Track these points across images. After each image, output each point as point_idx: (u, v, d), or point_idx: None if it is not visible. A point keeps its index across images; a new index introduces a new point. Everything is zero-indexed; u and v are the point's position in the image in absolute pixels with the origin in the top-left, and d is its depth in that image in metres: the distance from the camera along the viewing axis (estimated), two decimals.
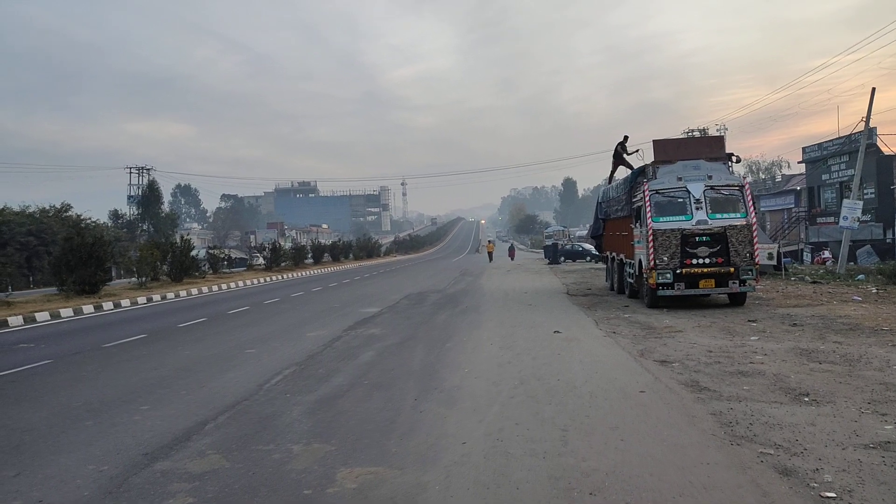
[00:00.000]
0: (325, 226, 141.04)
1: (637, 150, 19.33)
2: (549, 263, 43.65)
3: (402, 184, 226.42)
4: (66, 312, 18.38)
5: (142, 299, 22.65)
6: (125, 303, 21.45)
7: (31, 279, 45.36)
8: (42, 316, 17.42)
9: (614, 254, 19.73)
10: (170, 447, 5.72)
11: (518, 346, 10.52)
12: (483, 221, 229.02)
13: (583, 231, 76.96)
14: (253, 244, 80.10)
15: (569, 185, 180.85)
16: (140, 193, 69.84)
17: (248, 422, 6.53)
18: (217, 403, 7.31)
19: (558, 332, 11.71)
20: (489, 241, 67.01)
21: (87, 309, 19.48)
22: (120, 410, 7.19)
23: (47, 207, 53.50)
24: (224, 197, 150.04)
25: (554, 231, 67.60)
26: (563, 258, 46.39)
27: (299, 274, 41.85)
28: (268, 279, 36.12)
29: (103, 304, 20.48)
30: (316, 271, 45.43)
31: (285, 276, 39.17)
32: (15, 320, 16.49)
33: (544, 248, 55.75)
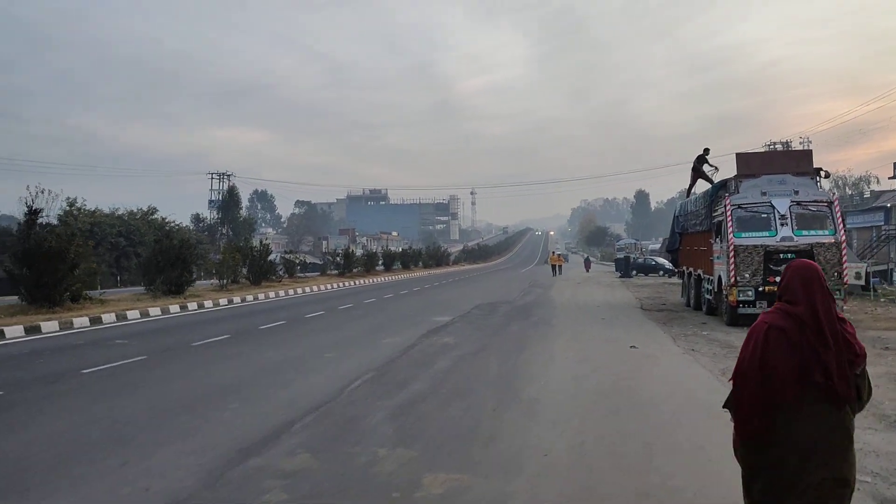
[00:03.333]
0: (394, 233, 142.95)
1: (715, 169, 18.85)
2: (620, 277, 42.95)
3: (472, 193, 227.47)
4: (155, 311, 19.32)
5: (223, 301, 23.56)
6: (208, 304, 22.37)
7: (119, 278, 47.77)
8: (133, 314, 18.36)
9: (691, 269, 19.28)
10: (261, 444, 5.97)
11: (594, 360, 10.44)
12: (552, 233, 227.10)
13: (655, 245, 75.35)
14: (325, 250, 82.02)
15: (641, 197, 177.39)
16: (221, 198, 72.60)
17: (334, 424, 6.74)
18: (302, 404, 7.57)
19: (635, 347, 11.55)
20: (554, 253, 61.24)
21: (174, 309, 20.42)
22: (212, 407, 7.54)
23: (135, 210, 56.32)
24: (298, 203, 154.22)
25: (626, 244, 66.61)
26: (635, 272, 45.56)
27: (370, 280, 42.58)
28: (340, 285, 36.90)
29: (188, 304, 21.43)
30: (386, 278, 46.12)
31: (357, 283, 39.92)
32: (108, 318, 17.45)
33: (616, 261, 54.94)
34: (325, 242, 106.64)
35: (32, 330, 14.74)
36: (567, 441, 5.98)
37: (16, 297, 18.97)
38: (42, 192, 18.70)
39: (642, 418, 6.67)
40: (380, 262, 53.86)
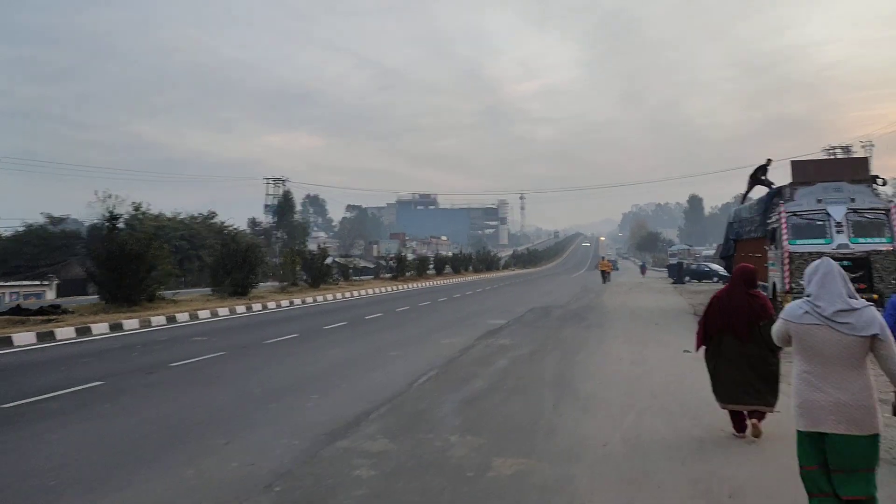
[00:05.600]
0: (444, 237, 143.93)
1: (772, 185, 18.89)
2: (673, 283, 42.70)
3: (521, 198, 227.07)
4: (223, 311, 20.40)
5: (285, 302, 24.60)
6: (271, 305, 23.42)
7: (181, 280, 49.84)
8: (204, 314, 19.46)
9: None
10: (345, 430, 6.64)
11: (648, 362, 10.84)
12: (602, 238, 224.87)
13: (709, 250, 74.27)
14: (376, 254, 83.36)
15: (694, 202, 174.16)
16: (276, 203, 74.63)
17: (406, 414, 7.37)
18: (374, 397, 8.23)
19: (688, 351, 11.86)
20: (604, 259, 57.12)
21: (240, 309, 21.50)
22: (294, 397, 8.27)
23: (196, 214, 58.55)
24: (349, 207, 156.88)
25: (678, 249, 65.90)
26: (687, 278, 45.19)
27: (423, 284, 43.37)
28: (394, 288, 37.77)
29: (253, 305, 22.51)
30: (438, 282, 46.86)
31: (410, 286, 40.75)
32: (182, 316, 18.56)
33: (668, 266, 54.53)
34: (375, 246, 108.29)
35: (116, 327, 15.88)
36: (623, 434, 6.46)
37: (96, 297, 20.29)
38: (109, 197, 19.98)
39: (695, 417, 7.10)
40: (431, 267, 54.67)
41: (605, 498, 4.78)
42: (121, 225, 23.29)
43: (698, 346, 6.54)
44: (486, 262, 75.11)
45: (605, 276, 46.36)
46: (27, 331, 14.00)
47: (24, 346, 13.23)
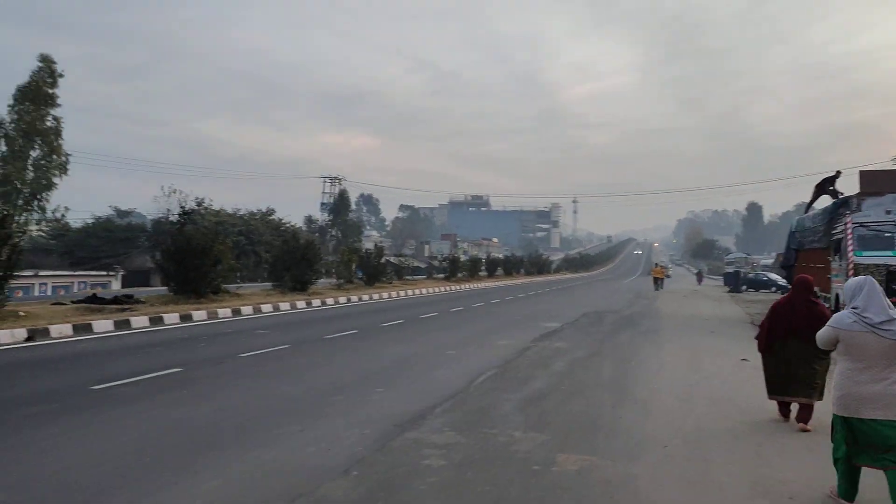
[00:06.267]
0: (494, 239, 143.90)
1: (839, 195, 18.50)
2: (729, 291, 41.90)
3: (574, 201, 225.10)
4: (284, 306, 21.07)
5: (342, 299, 25.21)
6: (329, 301, 24.05)
7: (238, 275, 51.28)
8: (266, 308, 20.15)
9: None
10: (412, 422, 6.94)
11: (705, 369, 10.85)
12: (656, 244, 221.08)
13: (768, 259, 72.43)
14: (427, 254, 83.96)
15: (753, 209, 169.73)
16: (332, 201, 76.00)
17: (469, 410, 7.63)
18: (437, 393, 8.51)
19: (746, 360, 11.81)
20: (657, 265, 54.17)
21: (300, 304, 22.15)
22: (359, 390, 8.63)
23: (255, 211, 60.09)
24: (402, 207, 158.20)
25: (735, 258, 64.44)
26: (745, 287, 44.26)
27: (475, 285, 43.62)
28: (447, 288, 38.13)
29: (312, 300, 23.14)
30: (490, 284, 47.03)
31: (462, 287, 41.06)
32: (246, 310, 19.27)
33: (725, 275, 53.51)
34: (427, 247, 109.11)
35: (186, 318, 16.62)
36: (683, 437, 6.58)
37: (158, 288, 21.19)
38: (174, 192, 20.85)
39: (754, 423, 7.16)
40: (483, 268, 54.88)
41: (668, 496, 4.94)
42: (194, 220, 24.27)
43: (761, 348, 7.34)
44: (538, 265, 74.90)
45: (657, 282, 45.26)
46: (105, 318, 14.79)
47: (103, 333, 14.00)
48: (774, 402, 7.40)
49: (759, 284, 46.01)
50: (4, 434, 6.27)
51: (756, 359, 9.47)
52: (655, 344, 14.18)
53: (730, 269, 50.70)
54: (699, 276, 60.88)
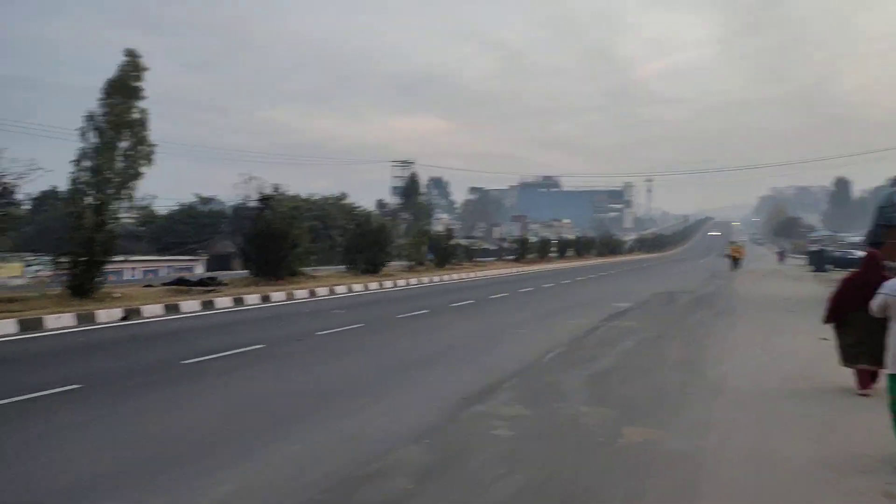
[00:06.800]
0: (566, 220, 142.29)
1: None
2: (813, 270, 40.28)
3: (647, 180, 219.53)
4: (357, 287, 21.72)
5: (413, 280, 25.72)
6: (401, 282, 24.60)
7: (313, 258, 52.80)
8: (340, 289, 20.83)
9: None
10: (480, 396, 7.19)
11: (780, 349, 10.66)
12: (736, 223, 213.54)
13: (857, 236, 69.01)
14: (497, 236, 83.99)
15: (841, 184, 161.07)
16: (403, 185, 76.98)
17: (536, 385, 7.83)
18: (505, 369, 8.74)
19: (825, 339, 11.49)
20: (734, 244, 52.31)
21: (373, 286, 22.77)
22: (430, 366, 8.95)
23: (328, 196, 61.59)
24: (472, 189, 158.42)
25: (820, 236, 61.93)
26: (829, 265, 42.40)
27: (545, 267, 43.51)
28: (516, 270, 38.21)
29: (384, 282, 23.74)
30: (560, 265, 46.80)
31: (532, 268, 41.04)
32: (321, 291, 19.98)
33: (808, 253, 51.36)
34: (496, 229, 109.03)
35: (265, 299, 17.42)
36: (752, 416, 6.58)
37: (240, 271, 22.17)
38: (251, 179, 21.70)
39: (827, 401, 7.08)
40: (553, 249, 54.57)
41: (732, 468, 5.02)
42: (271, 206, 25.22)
43: (828, 319, 8.01)
44: (610, 246, 73.82)
45: (735, 262, 43.74)
46: (192, 299, 15.69)
47: (191, 312, 14.87)
48: (849, 376, 7.64)
49: (845, 263, 43.80)
50: (121, 399, 6.92)
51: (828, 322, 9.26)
52: (729, 324, 13.95)
53: (813, 248, 48.69)
54: (781, 255, 58.75)
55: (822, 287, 25.51)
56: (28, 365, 8.79)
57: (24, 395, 6.86)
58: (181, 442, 5.48)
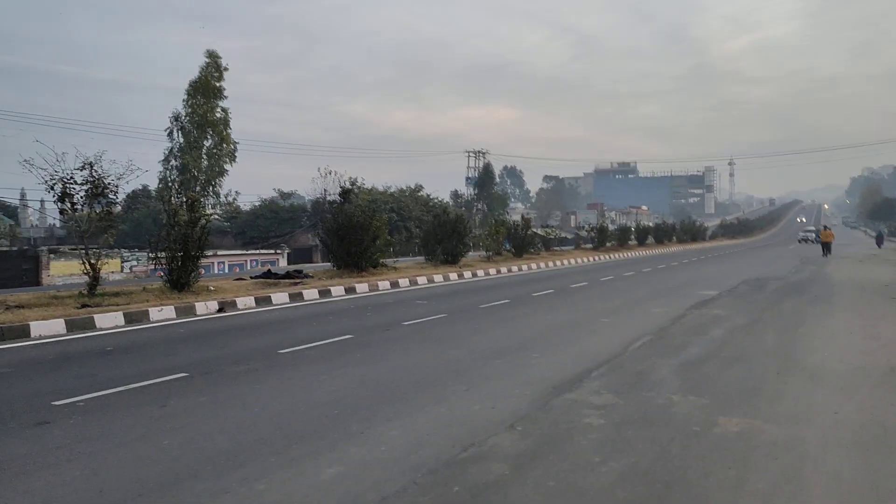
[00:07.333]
0: (644, 207, 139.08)
1: None
2: None
3: (730, 164, 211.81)
4: (438, 278, 21.97)
5: (492, 271, 25.80)
6: (480, 273, 24.72)
7: (391, 250, 53.72)
8: (421, 280, 21.14)
9: None
10: (569, 385, 7.22)
11: (884, 337, 10.18)
12: (826, 206, 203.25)
13: None
14: (573, 224, 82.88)
15: None
16: (477, 175, 77.07)
17: (625, 374, 7.78)
18: (592, 358, 8.71)
19: None
20: (826, 228, 47.82)
21: (452, 276, 22.99)
22: (517, 355, 9.01)
23: (404, 188, 62.36)
24: (546, 178, 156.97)
25: None
26: None
27: (624, 255, 42.72)
28: (595, 258, 37.69)
29: (463, 272, 23.92)
30: (640, 253, 45.83)
31: (611, 256, 40.38)
32: (403, 282, 20.34)
33: None
34: (573, 217, 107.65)
35: (350, 290, 17.89)
36: (856, 405, 6.36)
37: (321, 264, 22.78)
38: (329, 174, 22.26)
39: None
40: (633, 237, 53.48)
41: (839, 459, 4.89)
42: (338, 199, 25.86)
43: None
44: (691, 233, 71.61)
45: (825, 247, 41.52)
46: (280, 292, 16.30)
47: (281, 304, 15.45)
48: None
49: None
50: (227, 385, 7.33)
51: None
52: (825, 311, 13.40)
53: None
54: (879, 239, 55.61)
55: None
56: (137, 355, 9.38)
57: (136, 382, 7.35)
58: (285, 426, 5.76)
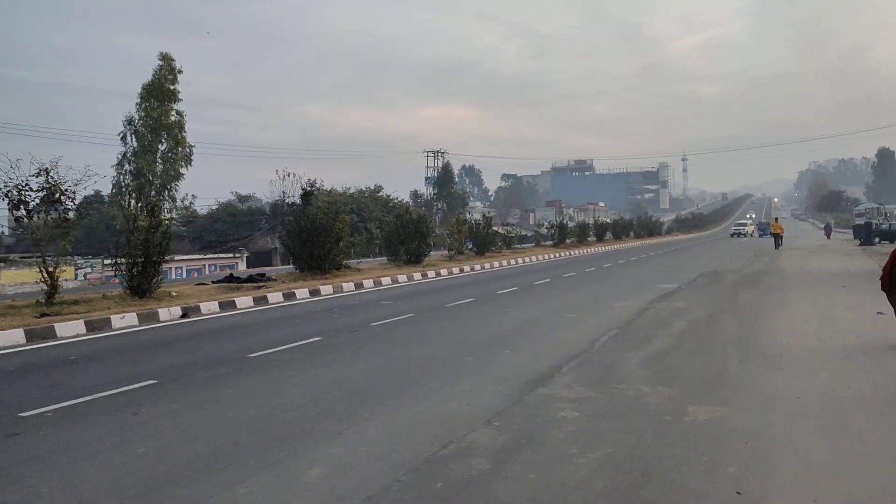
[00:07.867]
0: (601, 204, 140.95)
1: None
2: (860, 244, 39.38)
3: (683, 159, 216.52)
4: (402, 278, 21.97)
5: (455, 270, 25.90)
6: (443, 272, 24.80)
7: (353, 251, 53.42)
8: (385, 280, 21.11)
9: None
10: (542, 380, 7.33)
11: (837, 324, 10.59)
12: (776, 199, 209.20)
13: None
14: (532, 222, 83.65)
15: (884, 155, 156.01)
16: (436, 175, 77.17)
17: (594, 368, 7.94)
18: (561, 353, 8.85)
19: (882, 313, 11.35)
20: (776, 220, 50.79)
21: (416, 276, 23.01)
22: (488, 352, 9.11)
23: (363, 189, 62.08)
24: (504, 176, 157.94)
25: (866, 208, 60.38)
26: (877, 239, 41.42)
27: (584, 251, 43.31)
28: (556, 255, 38.13)
29: (427, 272, 23.96)
30: (599, 248, 46.52)
31: (571, 253, 40.90)
32: (367, 283, 20.28)
33: (854, 227, 50.20)
34: (532, 214, 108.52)
35: (315, 292, 17.77)
36: (817, 389, 6.62)
37: (281, 267, 22.57)
38: (287, 176, 22.07)
39: (892, 374, 7.05)
40: (592, 233, 54.26)
41: (805, 443, 5.09)
42: (297, 200, 25.66)
43: (884, 288, 9.16)
44: (648, 228, 73.04)
45: (777, 238, 42.47)
46: (245, 296, 16.10)
47: (246, 308, 15.27)
48: None
49: (894, 236, 42.87)
50: (198, 391, 7.23)
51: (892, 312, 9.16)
52: (781, 301, 13.85)
53: (860, 221, 47.54)
54: (828, 230, 57.81)
55: (873, 261, 24.98)
56: (102, 363, 9.19)
57: (105, 391, 7.20)
58: (263, 430, 5.73)
